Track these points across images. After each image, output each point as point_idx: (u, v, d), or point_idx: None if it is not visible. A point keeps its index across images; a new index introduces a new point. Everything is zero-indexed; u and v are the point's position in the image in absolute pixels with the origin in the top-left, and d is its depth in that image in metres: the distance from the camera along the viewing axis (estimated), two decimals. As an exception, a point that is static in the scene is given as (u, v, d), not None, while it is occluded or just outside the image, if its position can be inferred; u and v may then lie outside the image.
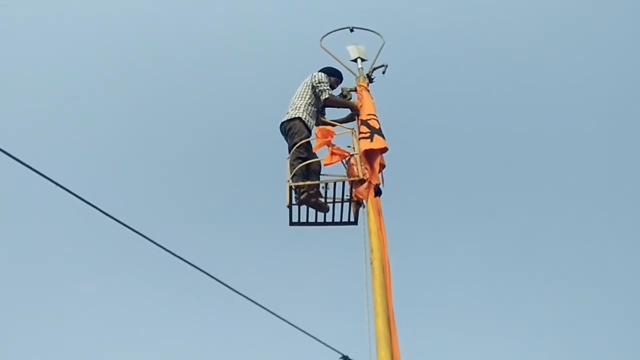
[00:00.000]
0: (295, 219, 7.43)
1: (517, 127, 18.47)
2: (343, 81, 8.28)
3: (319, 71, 8.06)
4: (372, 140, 7.18)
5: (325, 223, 7.51)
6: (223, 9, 19.15)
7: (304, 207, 7.36)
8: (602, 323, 15.92)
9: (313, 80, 7.86)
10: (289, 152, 7.52)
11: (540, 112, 18.27)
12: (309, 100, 7.77)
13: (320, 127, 7.51)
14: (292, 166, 7.34)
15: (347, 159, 7.23)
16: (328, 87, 7.85)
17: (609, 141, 17.85)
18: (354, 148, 7.34)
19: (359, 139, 7.29)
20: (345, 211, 7.39)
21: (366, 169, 7.10)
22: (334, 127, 7.59)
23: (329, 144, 7.22)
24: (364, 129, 7.33)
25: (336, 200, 7.33)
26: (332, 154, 7.14)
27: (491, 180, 18.02)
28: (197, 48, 18.95)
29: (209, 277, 6.11)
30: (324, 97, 7.78)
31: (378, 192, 7.01)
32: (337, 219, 7.45)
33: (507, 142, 18.36)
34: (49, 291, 16.22)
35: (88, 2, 18.74)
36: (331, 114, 8.16)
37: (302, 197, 7.21)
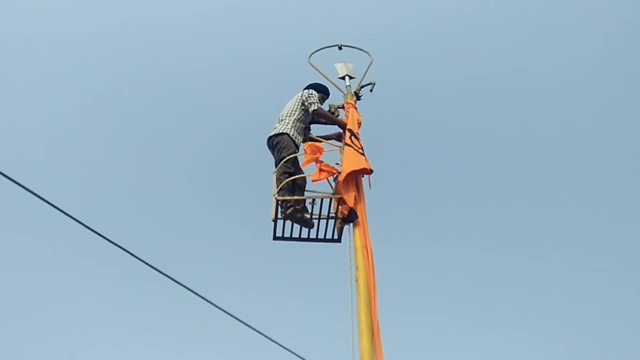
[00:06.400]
0: (279, 234, 7.40)
1: (505, 141, 18.60)
2: (330, 98, 8.30)
3: (306, 88, 8.10)
4: (367, 159, 7.19)
5: (309, 239, 7.48)
6: (212, 24, 19.17)
7: (288, 223, 7.34)
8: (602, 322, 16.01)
9: (302, 96, 7.89)
10: (276, 166, 7.51)
11: (529, 124, 18.41)
12: (298, 117, 7.78)
13: (309, 143, 7.53)
14: (278, 180, 7.32)
15: (335, 175, 7.24)
16: (317, 100, 7.87)
17: (607, 142, 18.03)
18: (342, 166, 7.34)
19: (360, 153, 7.23)
20: (330, 228, 7.39)
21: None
22: (322, 144, 7.61)
23: (317, 160, 7.25)
24: (357, 142, 7.33)
25: (321, 217, 7.32)
26: (321, 170, 7.16)
27: (485, 191, 18.12)
28: (183, 62, 18.91)
29: (191, 293, 5.99)
30: (312, 109, 7.76)
31: (353, 217, 6.99)
32: (321, 236, 7.45)
33: (496, 156, 18.48)
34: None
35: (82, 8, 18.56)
36: (318, 131, 8.15)
37: (288, 211, 7.18)
